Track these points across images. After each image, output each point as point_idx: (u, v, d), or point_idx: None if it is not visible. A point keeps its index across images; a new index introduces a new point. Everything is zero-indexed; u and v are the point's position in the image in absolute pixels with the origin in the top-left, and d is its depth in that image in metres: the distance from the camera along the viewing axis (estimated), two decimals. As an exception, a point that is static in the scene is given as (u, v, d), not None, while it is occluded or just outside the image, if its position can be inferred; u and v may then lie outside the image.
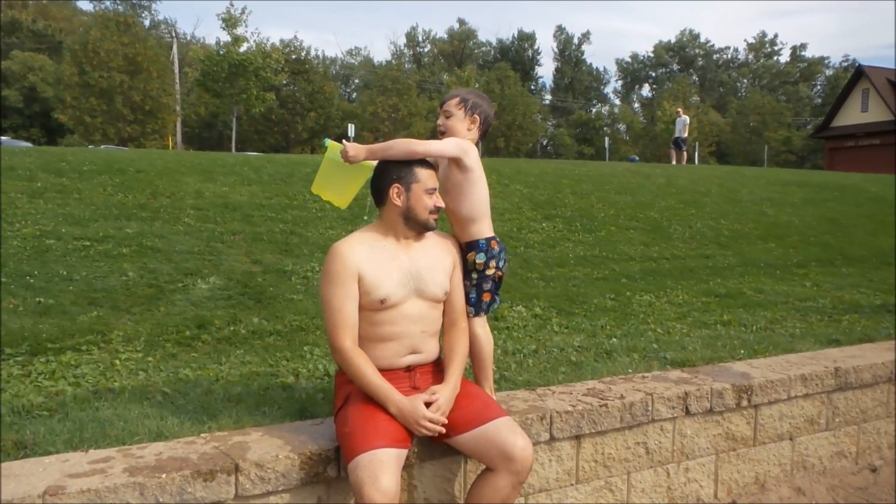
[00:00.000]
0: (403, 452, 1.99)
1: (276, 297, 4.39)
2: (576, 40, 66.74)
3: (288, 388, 2.76)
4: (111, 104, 30.22)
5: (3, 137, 25.66)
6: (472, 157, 2.27)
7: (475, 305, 2.33)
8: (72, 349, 3.28)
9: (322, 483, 2.10)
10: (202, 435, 2.17)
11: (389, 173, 2.19)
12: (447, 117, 2.31)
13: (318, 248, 5.64)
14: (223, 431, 2.21)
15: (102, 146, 24.74)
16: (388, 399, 2.05)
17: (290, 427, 2.26)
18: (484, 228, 2.32)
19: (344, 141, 2.24)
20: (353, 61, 66.42)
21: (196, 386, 2.75)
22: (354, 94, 59.83)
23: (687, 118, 20.30)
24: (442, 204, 2.23)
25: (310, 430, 2.23)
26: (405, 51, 63.86)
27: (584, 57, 67.62)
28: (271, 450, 2.04)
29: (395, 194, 2.16)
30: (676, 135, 19.86)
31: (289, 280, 4.78)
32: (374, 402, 2.07)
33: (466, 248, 2.32)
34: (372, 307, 2.12)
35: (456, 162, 2.25)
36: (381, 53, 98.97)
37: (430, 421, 2.03)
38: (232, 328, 3.75)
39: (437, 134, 2.39)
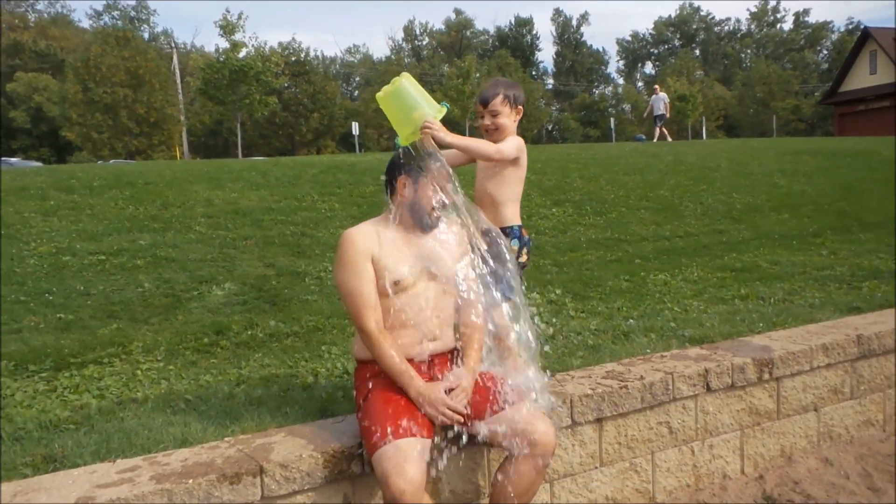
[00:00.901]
0: (427, 443, 2.00)
1: (290, 299, 4.41)
2: (574, 22, 66.21)
3: (308, 388, 2.78)
4: (116, 118, 30.49)
5: (13, 159, 25.99)
6: (525, 154, 2.43)
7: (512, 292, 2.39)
8: (94, 362, 3.32)
9: (347, 480, 2.12)
10: (226, 439, 2.20)
11: (400, 165, 2.23)
12: (494, 116, 2.38)
13: (330, 248, 5.65)
14: (246, 434, 2.24)
15: (111, 161, 24.95)
16: (409, 384, 2.07)
17: (312, 426, 2.28)
18: (515, 214, 2.43)
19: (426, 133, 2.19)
20: (352, 59, 66.38)
21: (217, 391, 2.78)
22: (356, 92, 59.79)
23: (665, 95, 19.85)
24: (447, 200, 2.24)
25: (332, 428, 2.25)
26: (404, 45, 63.75)
27: (583, 39, 67.03)
28: (295, 450, 2.06)
29: (403, 185, 2.20)
30: (656, 112, 19.30)
31: (302, 281, 4.81)
32: (395, 393, 2.08)
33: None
34: (387, 291, 2.14)
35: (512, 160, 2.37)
36: (380, 49, 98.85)
37: (451, 408, 2.04)
38: (249, 332, 3.78)
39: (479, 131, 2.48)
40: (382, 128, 41.62)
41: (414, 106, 2.20)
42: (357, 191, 7.78)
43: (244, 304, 4.32)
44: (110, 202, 6.89)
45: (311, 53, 51.15)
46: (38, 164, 23.54)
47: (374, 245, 2.15)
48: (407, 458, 1.87)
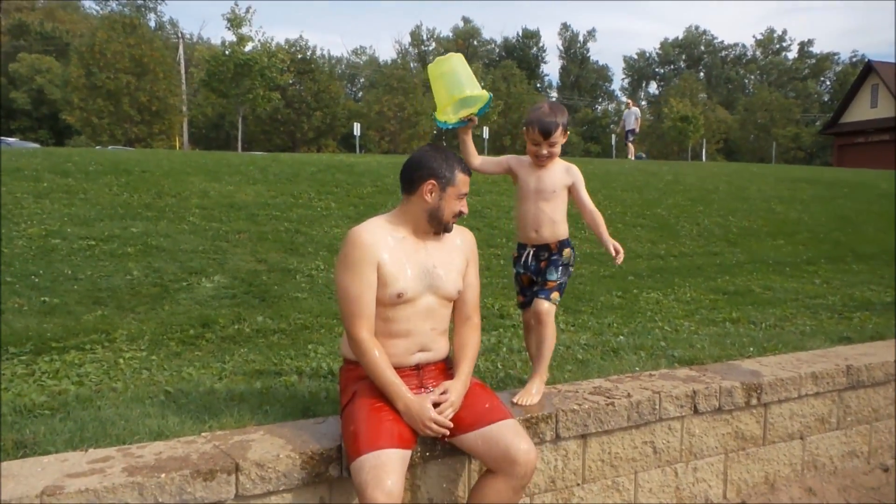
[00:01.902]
0: (408, 454, 1.96)
1: (280, 295, 4.37)
2: (581, 38, 66.55)
3: (291, 386, 2.74)
4: (118, 105, 30.34)
5: (11, 139, 25.84)
6: None
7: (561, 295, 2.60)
8: (76, 348, 3.27)
9: (324, 483, 2.08)
10: (203, 434, 2.15)
11: (429, 166, 2.13)
12: (552, 145, 2.49)
13: (323, 246, 5.62)
14: (224, 430, 2.19)
15: (110, 147, 24.85)
16: (397, 395, 2.01)
17: (293, 426, 2.23)
18: (566, 227, 2.61)
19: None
20: (358, 60, 66.45)
21: (199, 385, 2.73)
22: (360, 94, 59.83)
23: (637, 110, 19.43)
24: (466, 210, 2.22)
25: (312, 429, 2.21)
26: (410, 50, 63.78)
27: (589, 55, 67.36)
28: (272, 449, 2.02)
29: (428, 190, 2.12)
30: (628, 127, 18.79)
31: (293, 279, 4.77)
32: (380, 400, 2.04)
33: (559, 246, 2.57)
34: (387, 302, 2.07)
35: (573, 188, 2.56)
36: (386, 52, 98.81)
37: (436, 423, 2.00)
38: (236, 327, 3.74)
39: (530, 154, 2.57)
40: (384, 130, 41.61)
41: (459, 87, 2.34)
42: (355, 191, 7.75)
43: (233, 297, 4.28)
44: (105, 188, 6.84)
45: (318, 52, 51.09)
46: (36, 145, 23.39)
47: (382, 250, 2.06)
48: (386, 469, 1.83)
